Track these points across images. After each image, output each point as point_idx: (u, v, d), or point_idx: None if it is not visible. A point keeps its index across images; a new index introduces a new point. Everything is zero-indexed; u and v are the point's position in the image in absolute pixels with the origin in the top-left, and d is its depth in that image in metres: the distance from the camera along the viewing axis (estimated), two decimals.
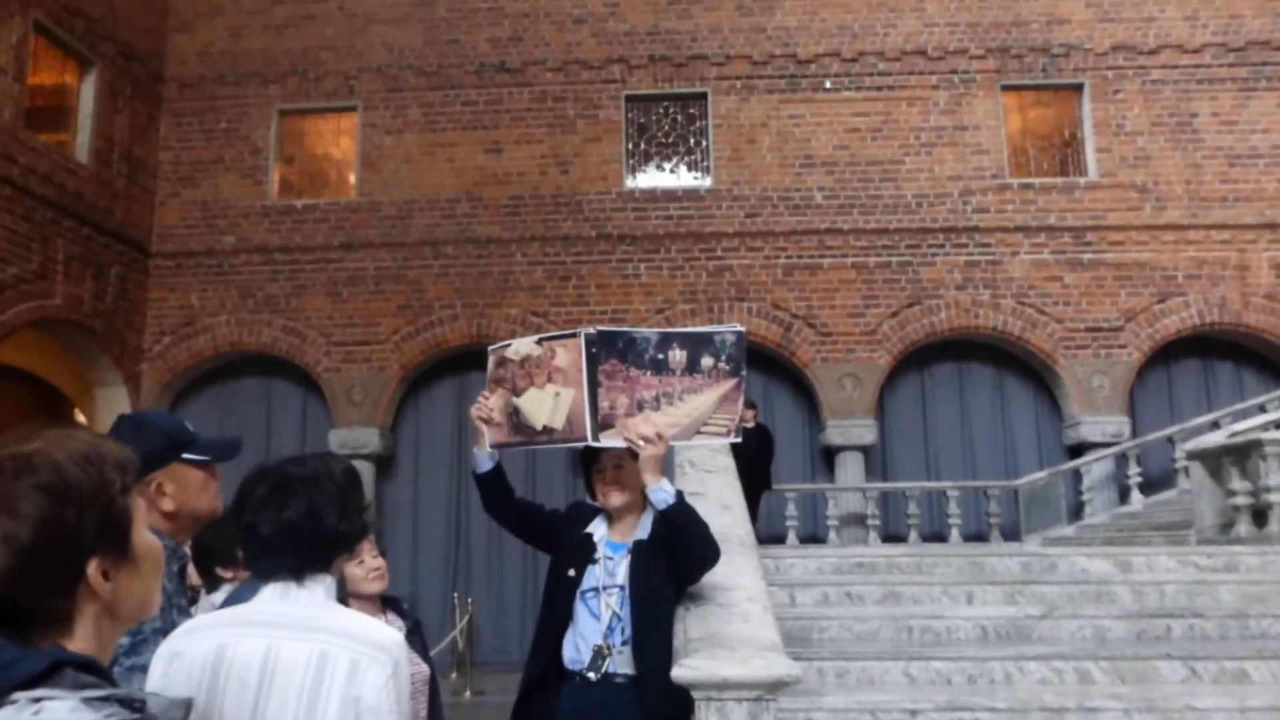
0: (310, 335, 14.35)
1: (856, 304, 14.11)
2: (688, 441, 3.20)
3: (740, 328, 3.25)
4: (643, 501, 3.35)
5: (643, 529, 3.41)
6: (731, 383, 3.18)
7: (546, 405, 3.22)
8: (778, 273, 14.22)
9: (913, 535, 12.87)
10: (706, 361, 3.17)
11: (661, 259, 14.32)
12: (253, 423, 14.39)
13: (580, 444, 3.20)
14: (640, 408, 3.16)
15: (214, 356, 14.58)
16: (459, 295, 14.29)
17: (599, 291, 14.25)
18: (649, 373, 3.16)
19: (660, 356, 3.17)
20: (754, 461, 12.06)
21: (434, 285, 14.35)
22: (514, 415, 3.31)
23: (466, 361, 14.72)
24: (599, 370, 3.16)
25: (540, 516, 3.60)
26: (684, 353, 3.17)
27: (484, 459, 3.46)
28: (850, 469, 13.82)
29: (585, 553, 3.43)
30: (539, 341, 3.27)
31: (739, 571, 3.82)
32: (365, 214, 14.55)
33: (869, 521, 13.01)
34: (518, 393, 3.30)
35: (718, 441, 3.21)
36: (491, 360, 3.41)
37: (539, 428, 3.25)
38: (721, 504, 4.78)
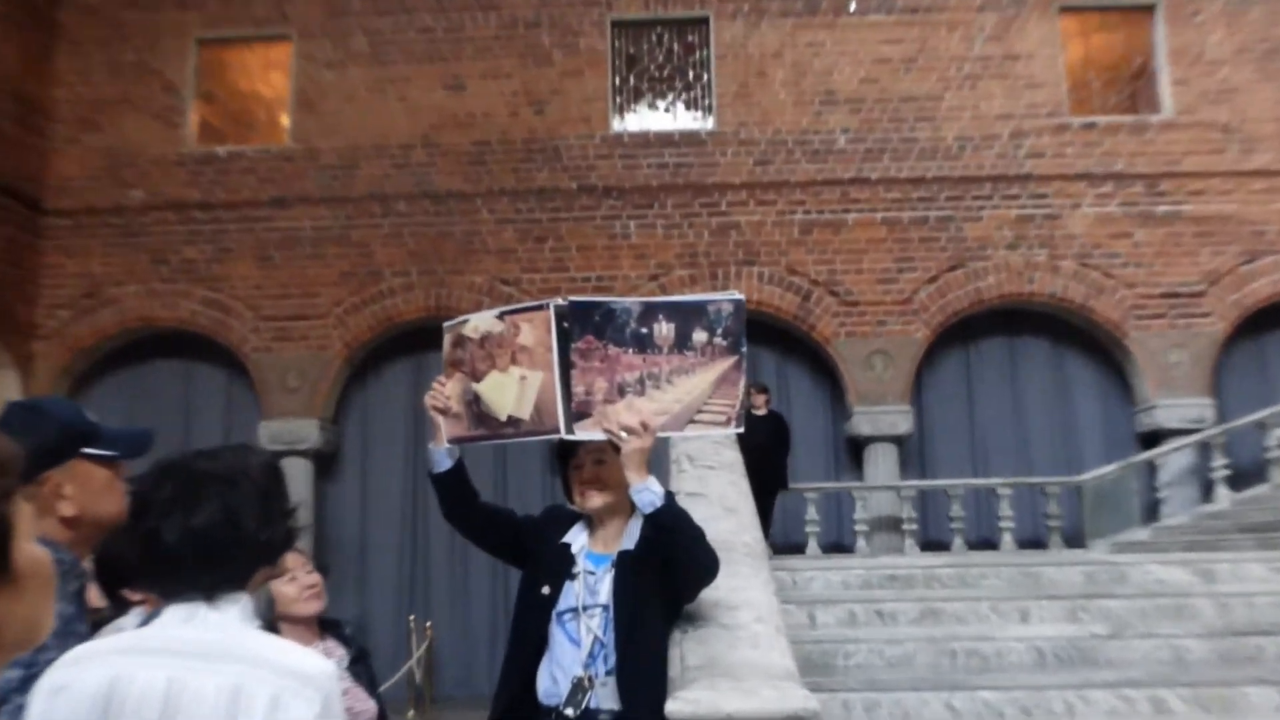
0: (236, 309, 14.30)
1: (888, 267, 14.09)
2: (679, 433, 3.18)
3: (739, 295, 3.23)
4: (629, 504, 3.33)
5: (629, 537, 3.40)
6: (729, 361, 3.17)
7: (511, 392, 3.21)
8: (794, 231, 14.18)
9: (956, 542, 12.90)
10: (699, 336, 3.16)
11: (655, 216, 14.27)
12: (167, 413, 14.33)
13: (552, 437, 3.18)
14: (621, 392, 3.15)
15: (121, 334, 14.53)
16: (414, 260, 14.24)
17: (580, 255, 14.20)
18: (631, 350, 3.15)
19: (644, 331, 3.16)
20: (766, 456, 12.06)
21: (384, 248, 14.30)
22: (474, 404, 3.30)
23: (424, 339, 14.65)
24: (571, 348, 3.15)
25: (510, 524, 3.60)
26: (672, 326, 3.16)
27: (441, 457, 3.46)
28: (881, 464, 13.83)
29: (561, 566, 3.41)
30: (500, 316, 3.25)
31: (746, 586, 3.80)
32: (301, 163, 14.48)
33: (904, 526, 13.03)
34: (477, 377, 3.29)
35: (716, 433, 3.20)
36: (447, 340, 3.40)
37: (503, 418, 3.23)
38: (725, 506, 4.76)
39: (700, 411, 3.17)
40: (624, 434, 3.10)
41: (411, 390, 14.58)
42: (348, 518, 14.56)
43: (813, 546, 12.87)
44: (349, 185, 14.43)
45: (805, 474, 13.99)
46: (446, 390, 3.39)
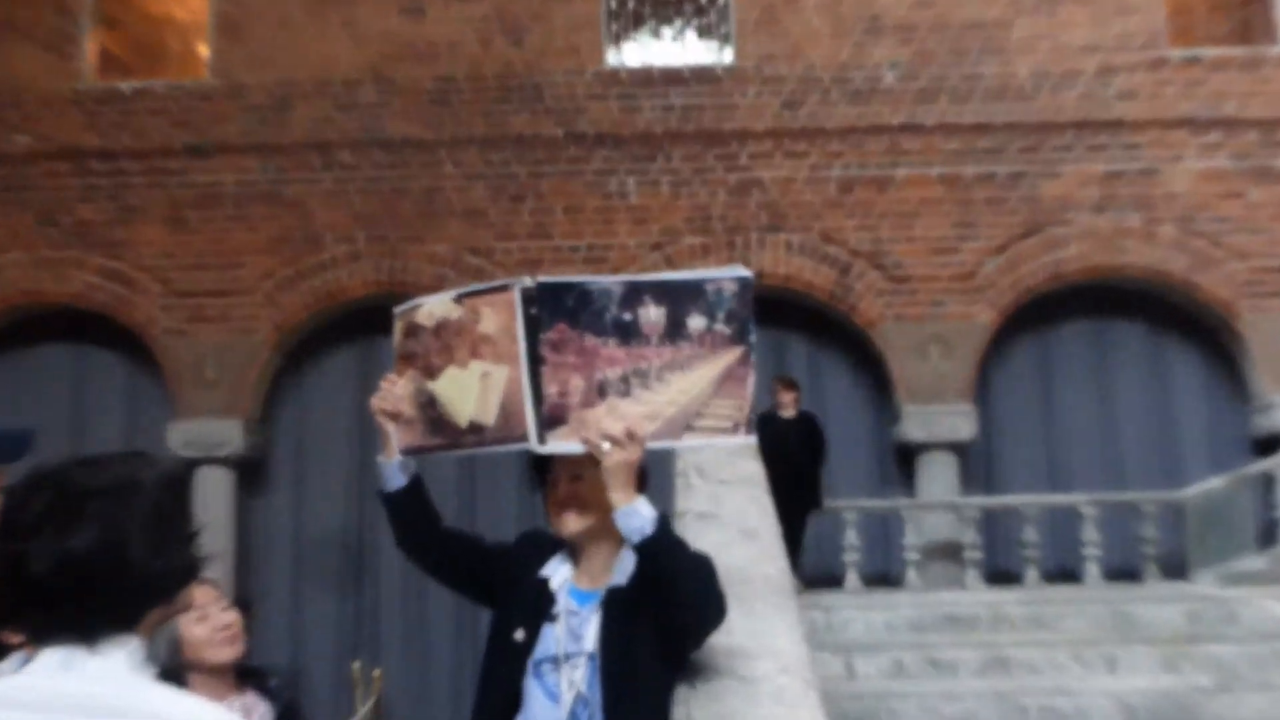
0: (141, 281, 14.28)
1: (945, 235, 14.06)
2: (675, 443, 3.17)
3: (746, 272, 3.18)
4: (613, 528, 3.31)
5: (621, 570, 3.37)
6: (735, 353, 3.14)
7: (472, 391, 3.21)
8: (830, 189, 14.15)
9: (1029, 573, 12.88)
10: (696, 323, 3.13)
11: (659, 171, 14.24)
12: (56, 408, 14.33)
13: (520, 448, 3.16)
14: (602, 393, 3.13)
15: (0, 312, 14.50)
16: (361, 224, 14.22)
17: (567, 219, 14.18)
18: (612, 341, 3.13)
19: (628, 317, 3.13)
20: (795, 467, 12.03)
21: (324, 209, 14.27)
22: (430, 407, 3.31)
23: (373, 322, 14.59)
24: (542, 339, 3.13)
25: (477, 554, 3.59)
26: (662, 311, 3.13)
27: (392, 472, 3.47)
28: (937, 476, 13.82)
29: (538, 606, 3.40)
30: (458, 298, 3.25)
31: (769, 630, 3.78)
32: (223, 103, 14.45)
33: (965, 554, 13.01)
34: (433, 374, 3.30)
35: (721, 442, 3.17)
36: (398, 328, 3.41)
37: (464, 424, 3.23)
38: (743, 530, 4.74)
39: (700, 416, 3.15)
40: (605, 444, 3.06)
41: (358, 384, 14.53)
42: (278, 541, 14.56)
43: (852, 579, 12.85)
44: (282, 130, 14.39)
45: (843, 489, 13.96)
46: (397, 390, 3.39)
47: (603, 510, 3.26)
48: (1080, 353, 14.69)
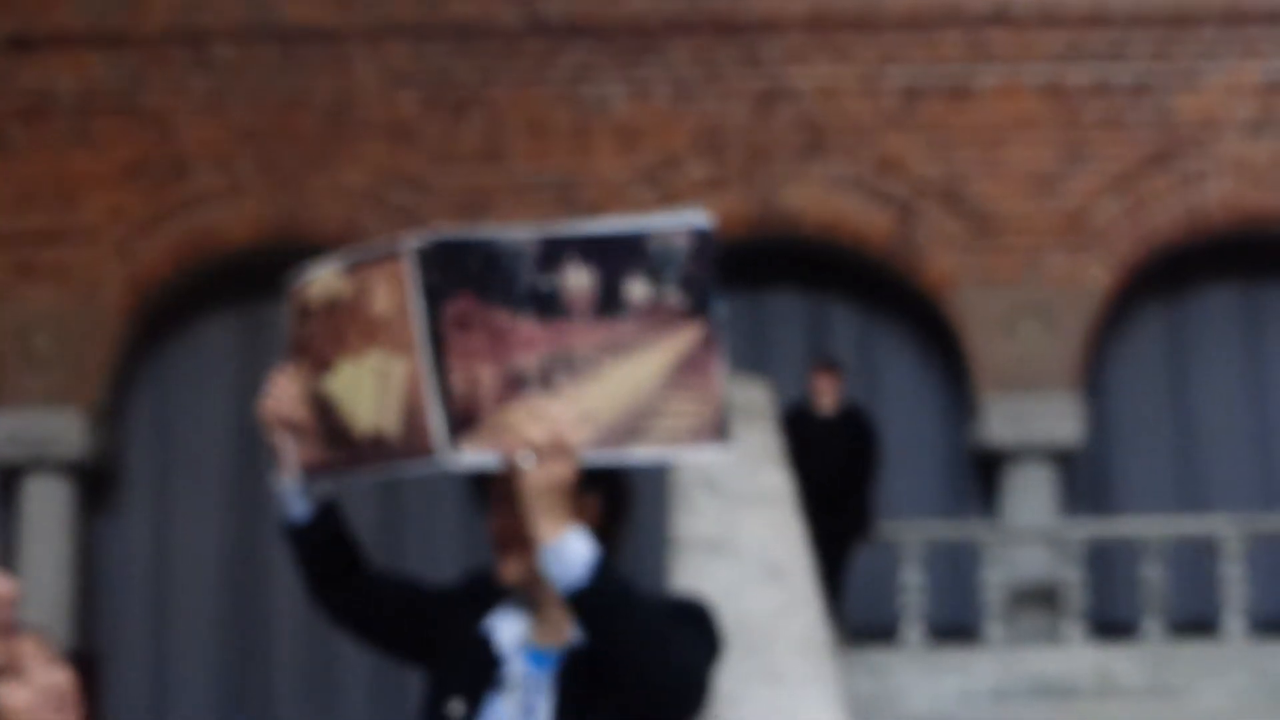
0: None
1: (1045, 167, 14.09)
2: (618, 453, 3.13)
3: (702, 219, 3.13)
4: None
5: None
6: (692, 331, 3.09)
7: (366, 392, 3.21)
8: (888, 102, 14.16)
9: (1149, 625, 12.91)
10: (637, 291, 3.08)
11: (655, 75, 14.25)
12: None
13: (426, 466, 3.15)
14: (519, 385, 3.12)
15: None
16: (245, 145, 14.22)
17: (529, 138, 14.17)
18: (529, 315, 3.10)
19: (546, 284, 3.10)
20: (837, 480, 12.03)
21: (195, 123, 14.26)
22: (327, 413, 3.31)
23: (262, 278, 14.55)
24: (443, 315, 3.12)
25: (412, 603, 3.58)
26: (591, 274, 3.08)
27: (293, 497, 3.46)
28: (1030, 494, 13.85)
29: (480, 670, 3.39)
30: (349, 269, 3.26)
31: (798, 702, 3.80)
32: None
33: (1065, 598, 13.04)
34: (327, 369, 3.31)
35: (685, 455, 3.16)
36: (291, 306, 3.42)
37: (362, 435, 3.23)
38: (765, 565, 4.77)
39: (651, 418, 3.11)
40: (526, 458, 3.06)
41: (240, 364, 14.56)
42: (134, 574, 14.56)
43: (913, 631, 12.87)
44: (137, 15, 14.36)
45: (902, 509, 13.98)
46: (291, 389, 3.40)
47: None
48: (1226, 328, 14.72)
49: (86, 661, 13.50)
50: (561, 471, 3.04)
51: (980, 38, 14.20)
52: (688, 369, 3.08)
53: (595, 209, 13.83)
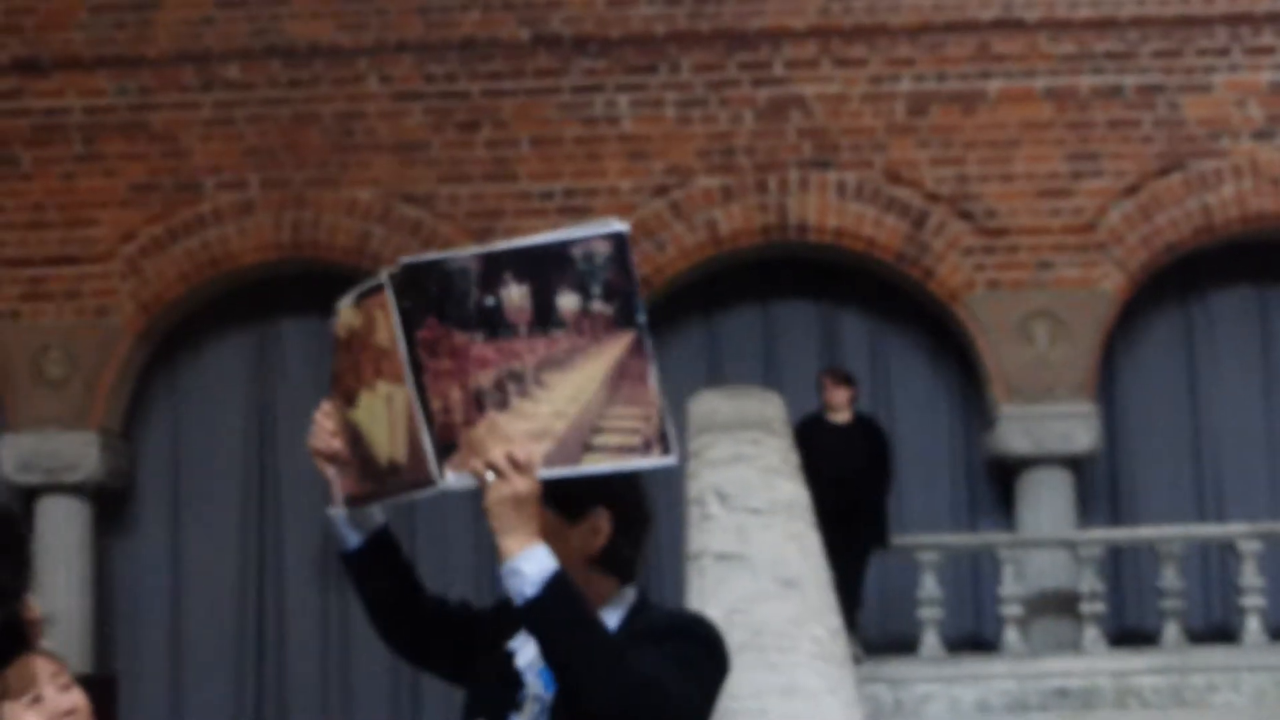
0: None
1: (1056, 171, 14.07)
2: (573, 469, 3.18)
3: (619, 225, 3.17)
4: (601, 582, 3.35)
5: None
6: (623, 341, 3.14)
7: (382, 422, 3.31)
8: (897, 110, 14.16)
9: (1169, 631, 12.88)
10: (567, 302, 3.14)
11: (663, 86, 14.24)
12: None
13: (428, 493, 3.26)
14: (480, 405, 3.20)
15: None
16: (255, 164, 14.22)
17: (537, 153, 14.17)
18: (480, 335, 3.20)
19: (490, 301, 3.19)
20: (851, 490, 12.01)
21: (204, 143, 14.27)
22: (357, 444, 3.39)
23: (274, 297, 14.64)
24: (418, 341, 3.24)
25: (462, 628, 3.61)
26: (525, 289, 3.17)
27: (343, 528, 3.51)
28: (1046, 502, 13.81)
29: (503, 690, 3.41)
30: (358, 300, 3.35)
31: (817, 712, 3.80)
32: (65, 1, 14.42)
33: (1083, 606, 13.02)
34: (353, 401, 3.40)
35: (637, 465, 3.18)
36: (333, 342, 3.53)
37: (383, 464, 3.32)
38: (780, 577, 4.77)
39: (599, 432, 3.17)
40: (488, 475, 3.12)
41: (252, 384, 14.58)
42: (150, 594, 14.58)
43: (931, 641, 12.86)
44: (144, 37, 14.38)
45: (918, 520, 13.98)
46: (329, 423, 3.45)
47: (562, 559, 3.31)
48: (1239, 331, 14.69)
49: (104, 682, 13.52)
50: (520, 489, 3.11)
51: (988, 44, 14.19)
52: (623, 379, 3.14)
53: None
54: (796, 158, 14.12)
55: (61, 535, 13.86)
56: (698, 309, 14.80)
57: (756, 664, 4.12)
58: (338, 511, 3.49)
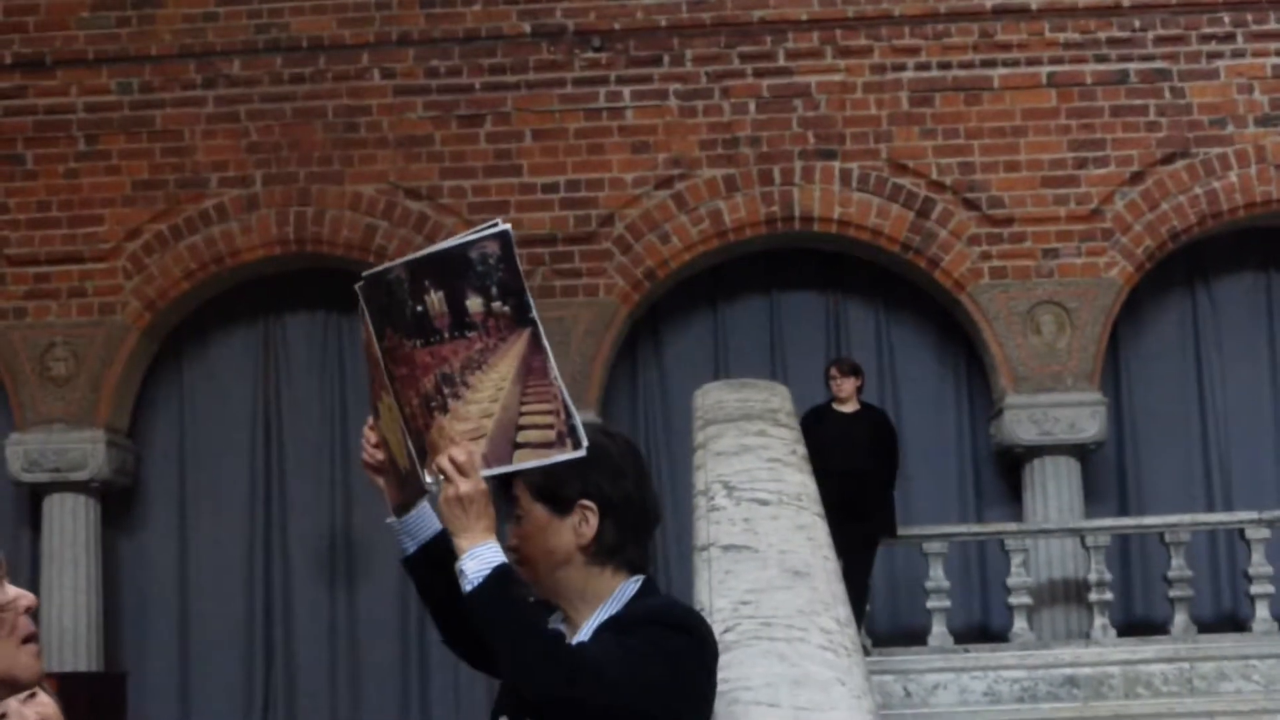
0: None
1: (1060, 159, 14.05)
2: (508, 466, 3.33)
3: (502, 224, 3.30)
4: (592, 586, 3.44)
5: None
6: (523, 338, 3.28)
7: (394, 429, 3.48)
8: (901, 99, 14.14)
9: (1178, 619, 12.86)
10: (474, 304, 3.29)
11: (666, 78, 14.23)
12: None
13: (426, 496, 3.48)
14: (429, 409, 3.35)
15: None
16: (258, 159, 14.22)
17: (540, 146, 14.16)
18: (419, 341, 3.35)
19: (419, 308, 3.33)
20: (858, 481, 12.00)
21: (207, 139, 14.27)
22: (388, 453, 3.59)
23: (279, 293, 14.64)
24: (387, 351, 3.41)
25: None
26: (440, 293, 3.31)
27: (399, 536, 3.66)
28: (1053, 492, 13.80)
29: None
30: (361, 315, 3.49)
31: (826, 702, 3.80)
32: None
33: (1091, 595, 13.01)
34: (376, 413, 3.57)
35: (558, 459, 3.29)
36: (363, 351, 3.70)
37: (403, 470, 3.51)
38: (789, 568, 4.76)
39: (520, 428, 3.30)
40: (442, 477, 3.27)
41: (259, 380, 14.57)
42: (158, 592, 14.62)
43: (939, 631, 12.84)
44: (146, 34, 14.37)
45: (925, 510, 13.99)
46: (374, 437, 3.60)
47: (545, 559, 3.43)
48: (1246, 318, 14.68)
49: (113, 679, 13.54)
50: (463, 490, 3.25)
51: (991, 31, 14.16)
52: (529, 375, 3.27)
53: (609, 216, 13.84)
54: (800, 148, 14.11)
55: (68, 533, 13.86)
56: (703, 300, 14.79)
57: (766, 655, 4.12)
58: (392, 520, 3.63)
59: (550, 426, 3.28)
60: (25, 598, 2.63)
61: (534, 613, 3.34)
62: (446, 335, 3.32)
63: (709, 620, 3.98)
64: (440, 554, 3.54)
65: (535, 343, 3.26)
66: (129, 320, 14.23)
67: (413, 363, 3.35)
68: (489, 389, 3.29)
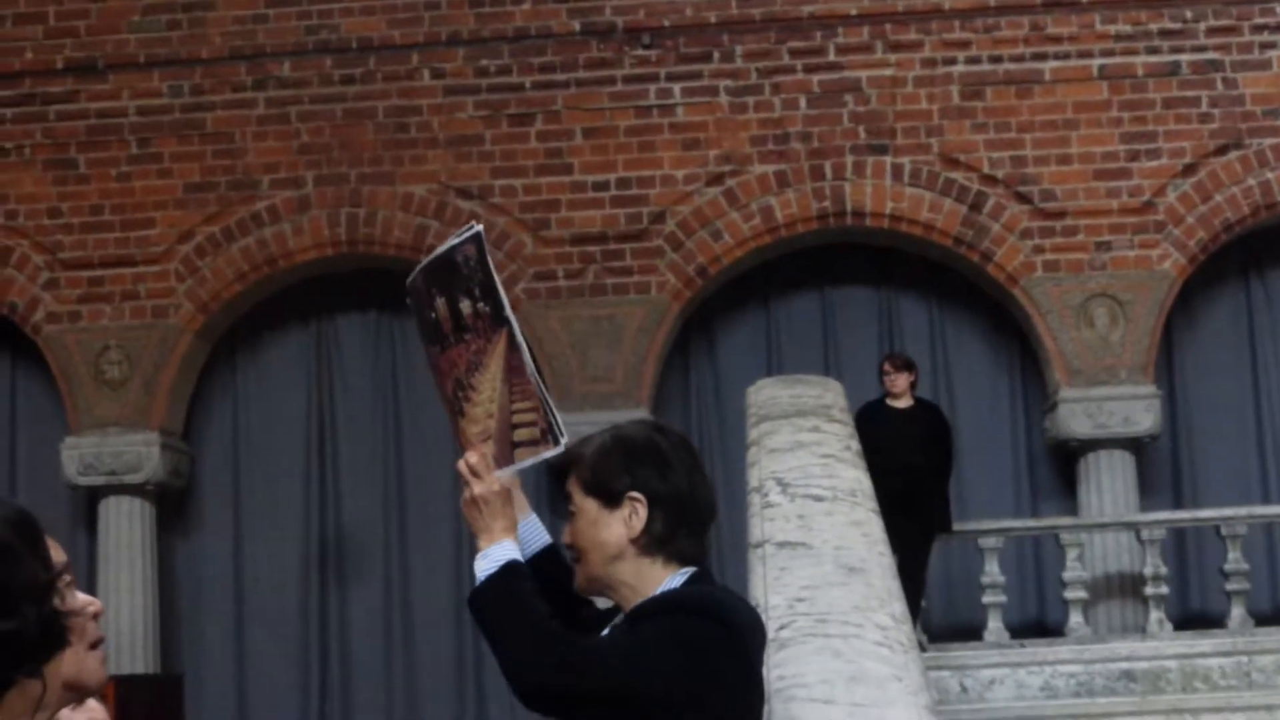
0: (16, 249, 14.37)
1: (1113, 151, 13.99)
2: (511, 466, 3.44)
3: (476, 226, 3.44)
4: (633, 581, 3.48)
5: None
6: (500, 337, 3.40)
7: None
8: (952, 93, 14.10)
9: (1235, 613, 12.80)
10: (465, 306, 3.42)
11: (716, 74, 14.22)
12: None
13: None
14: (455, 415, 3.52)
15: None
16: (309, 160, 14.26)
17: (590, 144, 14.17)
18: (438, 348, 3.54)
19: (432, 315, 3.51)
20: (913, 477, 11.97)
21: (258, 141, 14.31)
22: None
23: (331, 294, 14.68)
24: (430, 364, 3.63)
25: None
26: (443, 299, 3.47)
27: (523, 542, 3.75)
28: (1109, 486, 13.75)
29: None
30: None
31: (882, 699, 3.79)
32: (116, 3, 14.47)
33: (1148, 590, 12.96)
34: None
35: (545, 456, 3.41)
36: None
37: None
38: (844, 565, 4.75)
39: (516, 427, 3.41)
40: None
41: (313, 379, 14.60)
42: (213, 593, 14.68)
43: (995, 627, 12.81)
44: (197, 37, 14.43)
45: (979, 506, 13.95)
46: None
47: (598, 552, 3.47)
48: None
49: (170, 681, 13.60)
50: (477, 492, 3.38)
51: (1042, 25, 14.12)
52: (511, 374, 3.38)
53: (660, 213, 13.84)
54: (851, 143, 14.09)
55: (124, 536, 13.93)
56: (755, 297, 14.78)
57: (822, 651, 4.12)
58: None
59: (535, 425, 3.37)
60: (93, 604, 2.66)
61: (536, 608, 3.36)
62: (452, 340, 3.46)
63: (763, 617, 3.99)
64: (550, 565, 3.66)
65: (511, 341, 3.35)
66: (182, 323, 14.29)
67: (439, 370, 3.50)
68: (487, 389, 3.40)
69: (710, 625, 3.27)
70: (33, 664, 2.17)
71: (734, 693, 3.32)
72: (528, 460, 3.38)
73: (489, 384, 3.39)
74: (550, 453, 3.35)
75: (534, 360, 3.37)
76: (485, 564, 3.34)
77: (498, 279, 3.34)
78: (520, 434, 3.37)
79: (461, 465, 3.38)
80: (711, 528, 3.57)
